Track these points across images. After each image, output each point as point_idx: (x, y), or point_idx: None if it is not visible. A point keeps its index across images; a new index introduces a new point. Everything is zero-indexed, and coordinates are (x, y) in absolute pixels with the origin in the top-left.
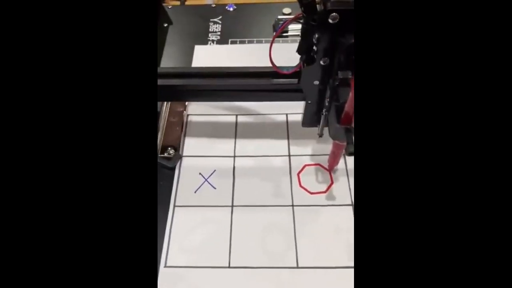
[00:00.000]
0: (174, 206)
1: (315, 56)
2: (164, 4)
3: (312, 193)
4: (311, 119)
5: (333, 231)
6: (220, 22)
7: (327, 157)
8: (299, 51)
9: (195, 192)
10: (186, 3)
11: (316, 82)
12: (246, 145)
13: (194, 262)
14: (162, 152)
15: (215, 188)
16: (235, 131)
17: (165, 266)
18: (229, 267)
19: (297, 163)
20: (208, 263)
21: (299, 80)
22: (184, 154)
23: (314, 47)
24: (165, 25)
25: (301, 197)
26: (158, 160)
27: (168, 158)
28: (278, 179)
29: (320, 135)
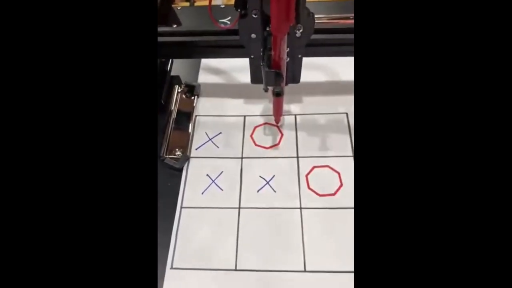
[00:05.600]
0: (181, 207)
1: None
2: (173, 5)
3: (320, 195)
4: (256, 73)
5: (341, 235)
6: (229, 22)
7: (336, 159)
8: (235, 6)
9: (202, 193)
10: (195, 4)
11: (253, 36)
12: (253, 147)
13: (201, 264)
14: (170, 153)
15: (222, 190)
16: (243, 133)
17: (172, 268)
18: (235, 269)
19: (305, 164)
20: (214, 265)
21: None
22: (191, 156)
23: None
24: (174, 26)
25: (309, 199)
26: (166, 161)
27: (175, 159)
28: (286, 180)
29: (265, 90)
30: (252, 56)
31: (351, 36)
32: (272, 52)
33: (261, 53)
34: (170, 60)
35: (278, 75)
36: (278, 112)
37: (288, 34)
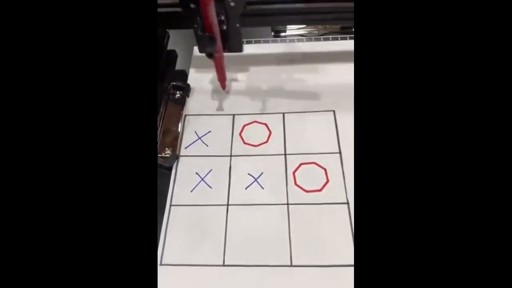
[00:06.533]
0: (171, 205)
1: None
2: None
3: (307, 191)
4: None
5: (327, 230)
6: None
7: (323, 155)
8: None
9: (191, 191)
10: None
11: (193, 6)
12: (242, 145)
13: (189, 260)
14: (160, 152)
15: (211, 188)
16: (232, 131)
17: (161, 264)
18: (223, 265)
19: (293, 161)
20: (203, 262)
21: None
22: (181, 154)
23: None
24: None
25: (296, 195)
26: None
27: (165, 158)
28: (274, 177)
29: (208, 55)
30: (195, 26)
31: (294, 5)
32: (204, 16)
33: (198, 21)
34: (160, 59)
35: (211, 38)
36: (220, 76)
37: (223, 2)
